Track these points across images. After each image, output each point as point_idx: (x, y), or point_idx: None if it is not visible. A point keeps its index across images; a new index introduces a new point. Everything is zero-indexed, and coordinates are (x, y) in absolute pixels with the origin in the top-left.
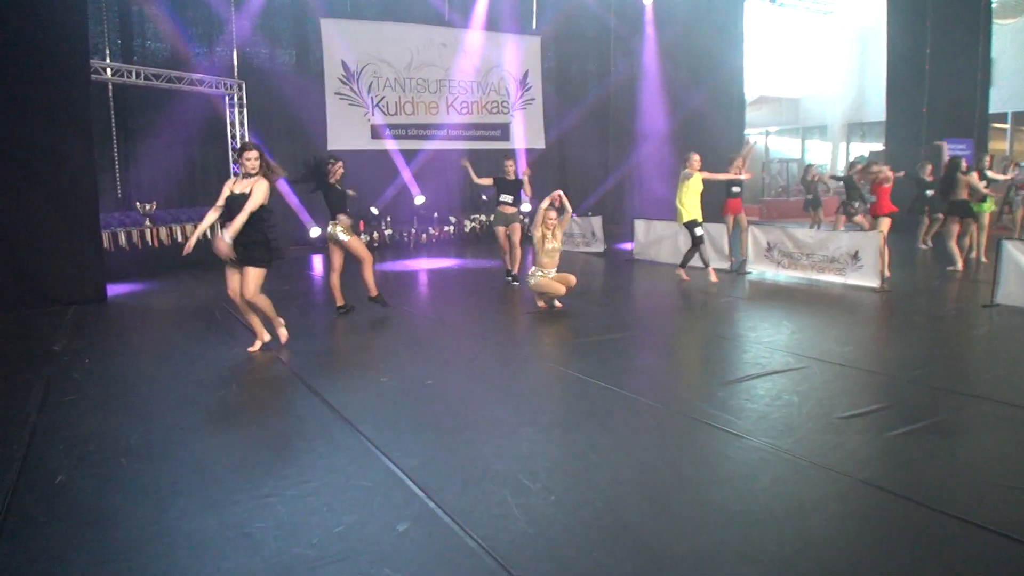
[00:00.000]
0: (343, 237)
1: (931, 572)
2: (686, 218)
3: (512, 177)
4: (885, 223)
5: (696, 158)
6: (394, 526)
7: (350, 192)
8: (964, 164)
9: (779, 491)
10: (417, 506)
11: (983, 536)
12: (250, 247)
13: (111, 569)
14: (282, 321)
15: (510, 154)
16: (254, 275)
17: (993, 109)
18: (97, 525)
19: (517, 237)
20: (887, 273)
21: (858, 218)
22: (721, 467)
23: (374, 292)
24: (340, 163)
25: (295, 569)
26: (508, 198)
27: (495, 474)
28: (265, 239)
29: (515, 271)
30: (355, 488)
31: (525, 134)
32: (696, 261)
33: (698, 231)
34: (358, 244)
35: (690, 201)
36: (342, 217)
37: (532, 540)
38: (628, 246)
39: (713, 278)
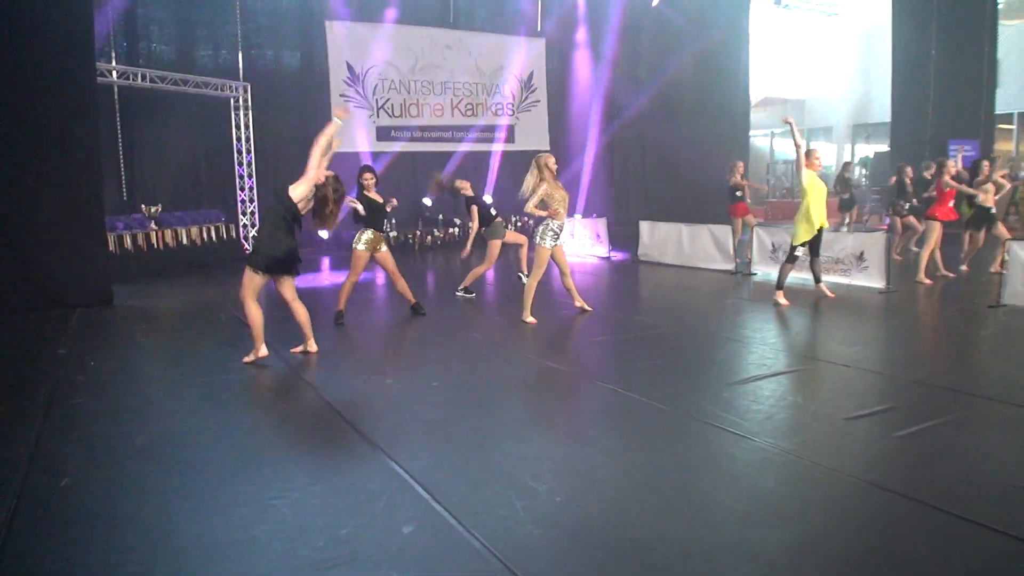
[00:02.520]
0: (359, 247)
1: (938, 573)
2: (816, 228)
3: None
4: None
5: (816, 153)
6: (399, 528)
7: (392, 202)
8: (953, 168)
9: (785, 492)
10: (422, 508)
11: (991, 537)
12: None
13: (117, 572)
14: (264, 348)
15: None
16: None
17: (999, 110)
18: (103, 528)
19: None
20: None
21: (909, 219)
22: (727, 468)
23: (411, 300)
24: (368, 174)
25: (301, 572)
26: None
27: (500, 476)
28: (257, 244)
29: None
30: (360, 490)
31: (529, 135)
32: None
33: (799, 251)
34: (378, 259)
35: (816, 208)
36: (367, 231)
37: (537, 541)
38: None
39: (829, 293)
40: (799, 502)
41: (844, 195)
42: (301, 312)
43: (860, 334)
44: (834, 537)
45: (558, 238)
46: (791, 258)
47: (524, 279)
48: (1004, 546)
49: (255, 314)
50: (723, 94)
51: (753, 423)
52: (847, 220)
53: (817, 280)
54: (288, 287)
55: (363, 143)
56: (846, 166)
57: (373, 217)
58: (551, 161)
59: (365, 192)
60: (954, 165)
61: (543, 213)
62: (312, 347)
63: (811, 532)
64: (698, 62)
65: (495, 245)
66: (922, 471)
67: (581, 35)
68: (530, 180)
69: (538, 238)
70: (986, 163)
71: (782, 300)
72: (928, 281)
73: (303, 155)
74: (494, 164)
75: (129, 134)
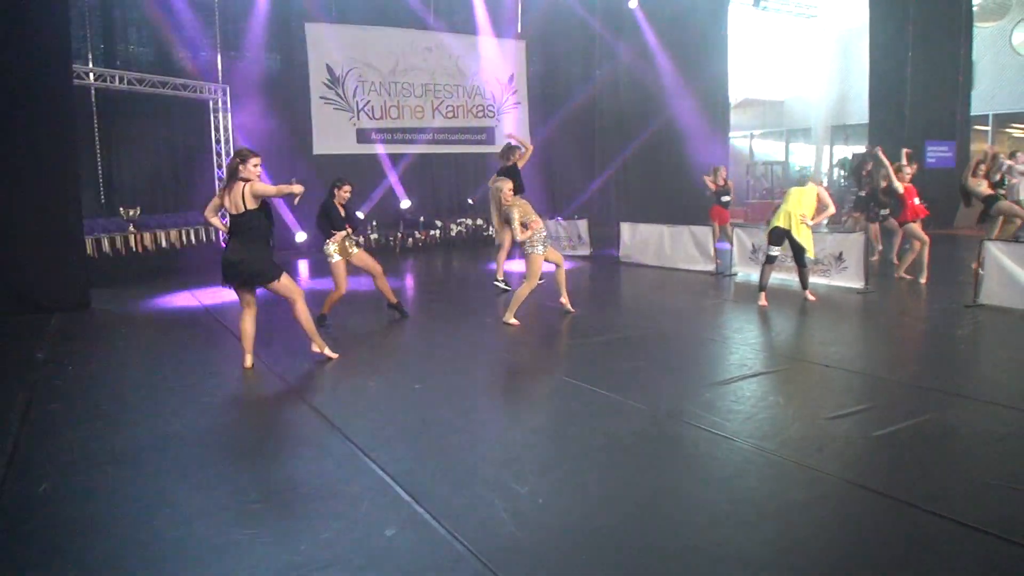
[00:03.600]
0: (335, 258)
1: (916, 571)
2: (775, 225)
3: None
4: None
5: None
6: (382, 531)
7: (359, 216)
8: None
9: (766, 492)
10: (405, 511)
11: (968, 534)
12: None
13: None
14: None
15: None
16: None
17: (974, 111)
18: (82, 534)
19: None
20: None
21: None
22: (708, 468)
23: (392, 299)
24: (348, 186)
25: None
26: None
27: (483, 478)
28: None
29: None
30: (342, 494)
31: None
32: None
33: (772, 251)
34: (362, 260)
35: (782, 210)
36: (336, 236)
37: (520, 544)
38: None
39: (811, 297)
40: (780, 502)
41: (861, 192)
42: (298, 314)
43: (840, 334)
44: (815, 536)
45: (545, 242)
46: (768, 259)
47: (499, 285)
48: (982, 543)
49: (242, 324)
50: (703, 95)
51: (734, 423)
52: (857, 223)
53: (803, 287)
54: (279, 293)
55: (343, 146)
56: (864, 161)
57: (334, 224)
58: (506, 189)
59: (336, 202)
60: (909, 169)
61: (529, 233)
62: (314, 348)
63: (792, 532)
64: (677, 63)
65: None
66: (902, 470)
67: (560, 37)
68: (495, 212)
69: (528, 248)
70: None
71: (761, 302)
72: (923, 280)
73: (282, 157)
74: (475, 166)
75: (107, 137)
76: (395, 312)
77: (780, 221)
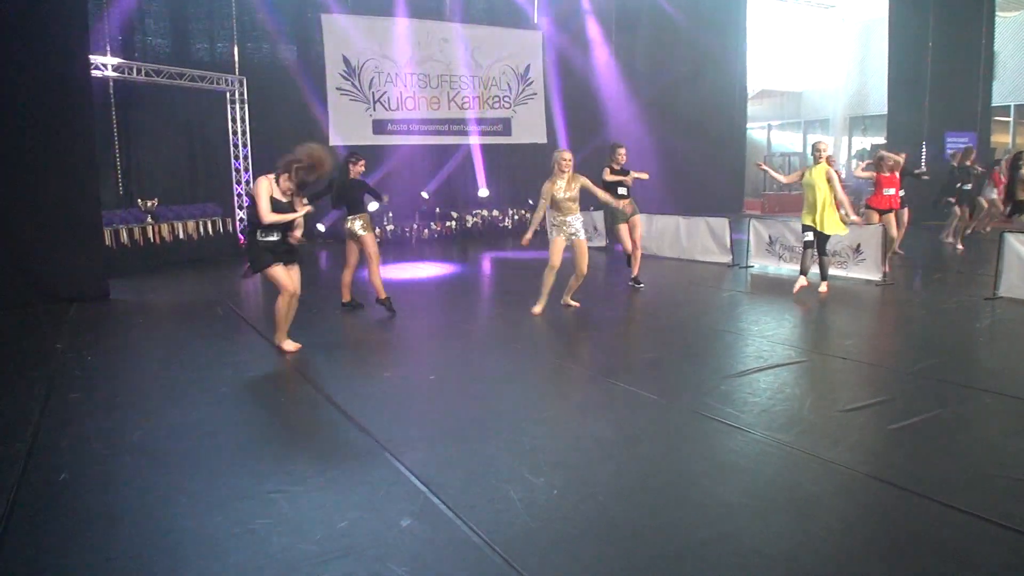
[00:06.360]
0: (361, 232)
1: (934, 564)
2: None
3: (622, 164)
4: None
5: (823, 146)
6: (398, 521)
7: (384, 198)
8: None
9: (781, 484)
10: (420, 501)
11: (986, 528)
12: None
13: (115, 567)
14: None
15: (621, 141)
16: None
17: (996, 102)
18: (101, 523)
19: (639, 233)
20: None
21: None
22: (724, 461)
23: (382, 295)
24: (362, 160)
25: (299, 565)
26: (624, 189)
27: (498, 469)
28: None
29: (636, 272)
30: (358, 484)
31: (526, 128)
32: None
33: (807, 235)
34: (371, 240)
35: (819, 202)
36: (363, 214)
37: (535, 534)
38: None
39: (821, 290)
40: (795, 494)
41: (965, 186)
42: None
43: (856, 326)
44: (831, 529)
45: (573, 232)
46: (806, 244)
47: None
48: (1000, 537)
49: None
50: (720, 86)
51: (750, 415)
52: (960, 227)
53: (823, 278)
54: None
55: (359, 136)
56: (966, 152)
57: (357, 200)
58: (561, 158)
59: (352, 177)
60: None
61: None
62: (276, 341)
63: (807, 524)
64: (695, 54)
65: (619, 229)
66: (918, 463)
67: (577, 27)
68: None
69: (549, 228)
70: None
71: (802, 283)
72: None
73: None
74: (491, 158)
75: (125, 128)
76: (384, 307)
77: (811, 220)
